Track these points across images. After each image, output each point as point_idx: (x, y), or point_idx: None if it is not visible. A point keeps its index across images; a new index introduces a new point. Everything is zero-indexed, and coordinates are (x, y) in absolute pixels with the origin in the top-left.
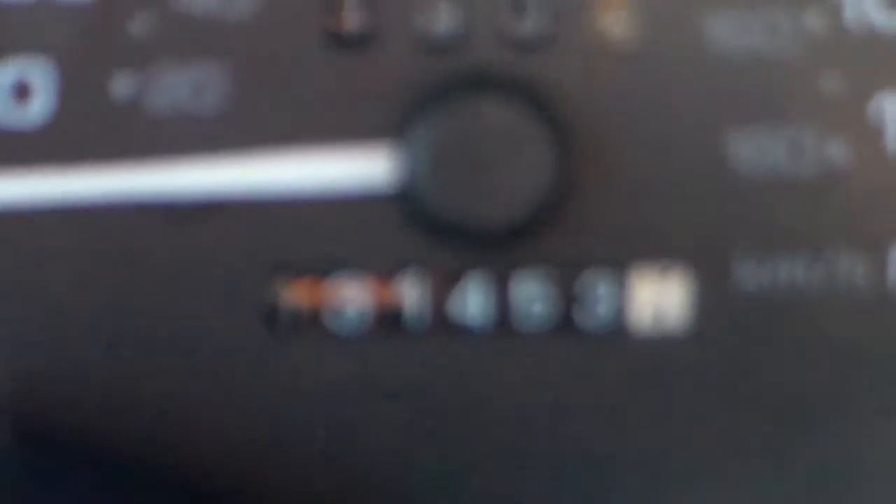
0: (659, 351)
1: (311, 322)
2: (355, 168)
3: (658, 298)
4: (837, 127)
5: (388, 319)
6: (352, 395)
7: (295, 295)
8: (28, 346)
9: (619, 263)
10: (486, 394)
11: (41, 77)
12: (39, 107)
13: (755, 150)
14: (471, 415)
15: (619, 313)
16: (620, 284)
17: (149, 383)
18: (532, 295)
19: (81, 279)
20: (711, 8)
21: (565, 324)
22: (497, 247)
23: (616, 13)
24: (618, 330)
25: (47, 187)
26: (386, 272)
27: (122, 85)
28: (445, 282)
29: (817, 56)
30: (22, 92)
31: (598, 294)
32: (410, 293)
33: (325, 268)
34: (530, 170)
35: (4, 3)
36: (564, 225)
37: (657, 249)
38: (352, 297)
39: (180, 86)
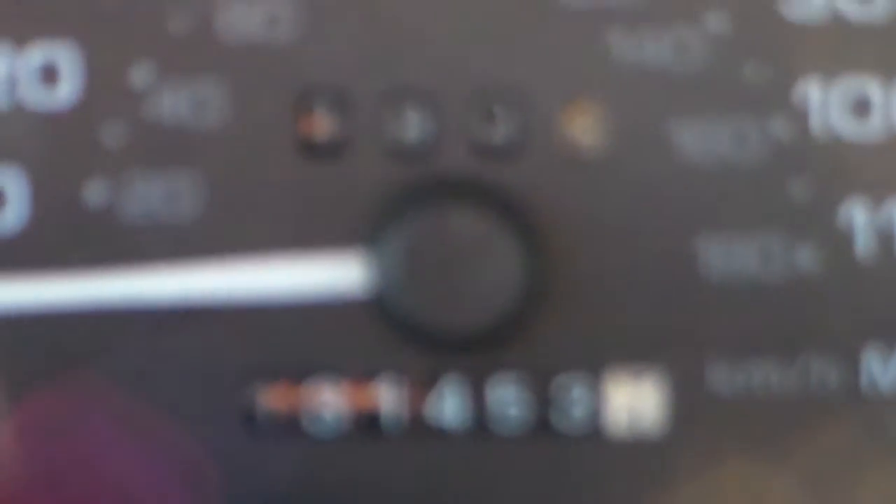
0: (634, 453)
1: (289, 426)
2: (329, 274)
3: (633, 402)
4: (807, 233)
5: (365, 423)
6: (330, 498)
7: (272, 399)
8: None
9: (594, 367)
10: (463, 496)
11: (14, 184)
12: (13, 214)
13: (725, 255)
14: None
15: (595, 416)
16: (595, 388)
17: (126, 489)
18: (507, 398)
19: (56, 384)
20: (679, 116)
21: (541, 427)
22: (471, 351)
23: (584, 121)
24: (593, 433)
25: (22, 294)
26: (362, 376)
27: (95, 193)
28: (421, 386)
29: (785, 163)
30: None
31: (573, 397)
32: (386, 397)
33: (301, 372)
34: (501, 276)
35: None
36: (538, 330)
37: (631, 353)
38: (328, 401)
39: (153, 194)
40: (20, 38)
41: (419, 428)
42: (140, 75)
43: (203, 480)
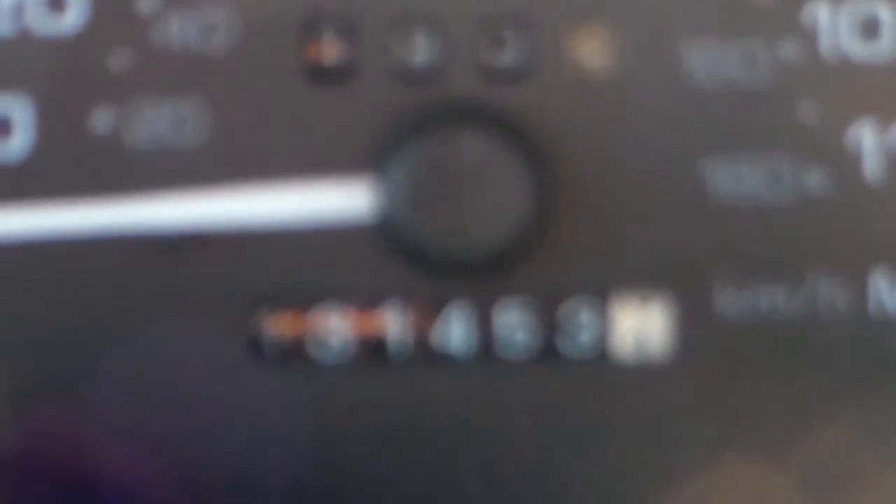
0: (641, 377)
1: (295, 352)
2: (335, 199)
3: (639, 325)
4: (815, 155)
5: (372, 349)
6: (336, 424)
7: (278, 326)
8: (8, 379)
9: (600, 291)
10: (469, 421)
11: (20, 112)
12: (19, 141)
13: (733, 178)
14: (454, 442)
15: (601, 341)
16: (602, 312)
17: (131, 416)
18: (514, 323)
19: (62, 312)
20: (688, 38)
21: (547, 352)
22: (478, 276)
23: (593, 44)
24: (600, 357)
25: (28, 221)
26: (368, 303)
27: (101, 119)
28: (427, 311)
29: (793, 85)
30: (2, 127)
31: (580, 322)
32: (393, 323)
33: (307, 299)
34: (509, 200)
35: None
36: (545, 254)
37: (637, 277)
38: (335, 327)
39: (160, 119)
40: None
41: (426, 354)
42: (147, 1)
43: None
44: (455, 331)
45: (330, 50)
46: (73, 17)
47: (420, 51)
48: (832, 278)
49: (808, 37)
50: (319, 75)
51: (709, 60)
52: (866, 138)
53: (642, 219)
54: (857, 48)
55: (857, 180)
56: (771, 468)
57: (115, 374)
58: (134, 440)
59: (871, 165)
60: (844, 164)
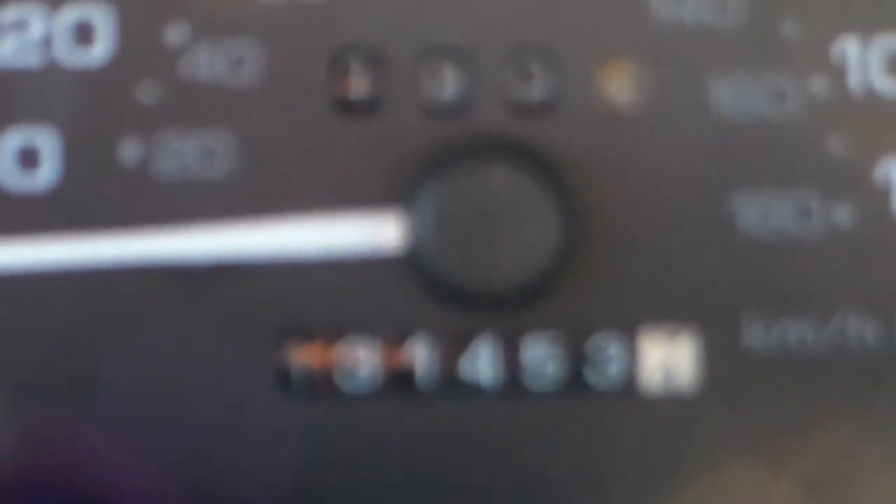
0: (669, 411)
1: (324, 384)
2: (365, 232)
3: (668, 359)
4: (843, 190)
5: (400, 381)
6: (364, 455)
7: (307, 357)
8: (33, 406)
9: (628, 324)
10: (498, 453)
11: (48, 143)
12: (48, 173)
13: (762, 212)
14: (483, 474)
15: (630, 374)
16: (630, 345)
17: (161, 446)
18: (542, 356)
19: (90, 341)
20: (716, 73)
21: (575, 384)
22: (506, 309)
23: (621, 78)
24: (628, 390)
25: (57, 252)
26: (396, 335)
27: (129, 151)
28: (456, 344)
29: (822, 120)
30: (29, 158)
31: (608, 355)
32: (421, 355)
33: (336, 331)
34: (537, 234)
35: (11, 70)
36: (573, 287)
37: (666, 310)
38: (363, 359)
39: (188, 152)
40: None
41: (454, 385)
42: (175, 34)
43: (238, 437)
44: (483, 363)
45: (358, 83)
46: (100, 50)
47: (448, 84)
48: (861, 313)
49: (837, 72)
50: (348, 109)
51: (737, 95)
52: (895, 173)
53: (670, 252)
54: (885, 84)
55: (885, 215)
56: (802, 499)
57: (142, 405)
58: (159, 468)
59: None
60: (873, 199)
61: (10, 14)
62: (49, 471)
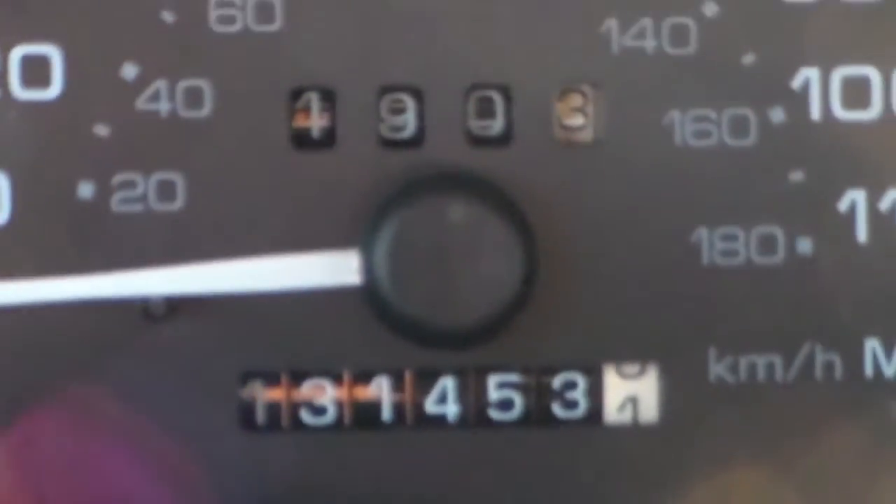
0: (635, 442)
1: (287, 419)
2: (324, 267)
3: (633, 392)
4: (808, 220)
5: (365, 416)
6: (331, 489)
7: (271, 393)
8: None
9: (593, 357)
10: (464, 486)
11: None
12: (3, 211)
13: (726, 243)
14: None
15: (595, 407)
16: (595, 378)
17: (125, 482)
18: (506, 390)
19: (52, 378)
20: (677, 103)
21: (541, 418)
22: (468, 344)
23: (580, 109)
24: (594, 423)
25: (13, 290)
26: (361, 369)
27: (85, 187)
28: (421, 378)
29: (785, 150)
30: None
31: (573, 388)
32: (386, 391)
33: (300, 366)
34: (497, 268)
35: None
36: (536, 320)
37: (631, 343)
38: (328, 396)
39: (145, 188)
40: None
41: (419, 419)
42: (130, 69)
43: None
44: (446, 396)
45: (315, 118)
46: (56, 86)
47: (407, 117)
48: (828, 343)
49: (799, 102)
50: (305, 142)
51: (698, 125)
52: (859, 203)
53: (634, 284)
54: (846, 114)
55: (850, 245)
56: None
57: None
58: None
59: (864, 230)
60: (837, 228)
61: None
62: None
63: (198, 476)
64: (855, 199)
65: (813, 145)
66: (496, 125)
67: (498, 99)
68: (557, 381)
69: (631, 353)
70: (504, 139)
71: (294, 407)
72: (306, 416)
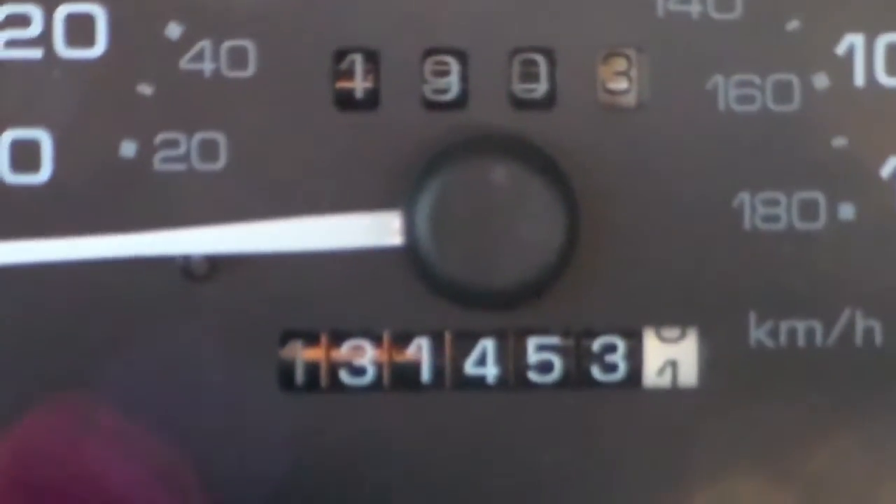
0: (675, 407)
1: (327, 379)
2: (367, 228)
3: (673, 355)
4: (850, 186)
5: (405, 377)
6: (369, 451)
7: (311, 354)
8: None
9: (634, 321)
10: (503, 449)
11: (46, 138)
12: (46, 168)
13: (768, 209)
14: (487, 469)
15: (635, 370)
16: (635, 342)
17: (164, 443)
18: (547, 352)
19: (93, 338)
20: (721, 68)
21: (582, 380)
22: (509, 306)
23: (624, 73)
24: (634, 386)
25: (56, 248)
26: (402, 330)
27: (129, 145)
28: (461, 340)
29: (828, 116)
30: (27, 153)
31: (614, 351)
32: (427, 352)
33: (340, 327)
34: (540, 231)
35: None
36: (579, 283)
37: (671, 307)
38: (367, 354)
39: (188, 147)
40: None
41: (459, 381)
42: (175, 29)
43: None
44: (487, 359)
45: (360, 77)
46: (99, 44)
47: (451, 78)
48: (868, 310)
49: (843, 68)
50: (349, 104)
51: (742, 90)
52: None
53: (676, 249)
54: (890, 80)
55: (892, 211)
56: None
57: (144, 402)
58: (162, 467)
59: None
60: (879, 195)
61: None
62: (49, 472)
63: (236, 435)
64: None
65: (856, 111)
66: (540, 88)
67: (542, 62)
68: (597, 345)
69: (671, 316)
70: (547, 102)
71: (333, 367)
72: (345, 377)
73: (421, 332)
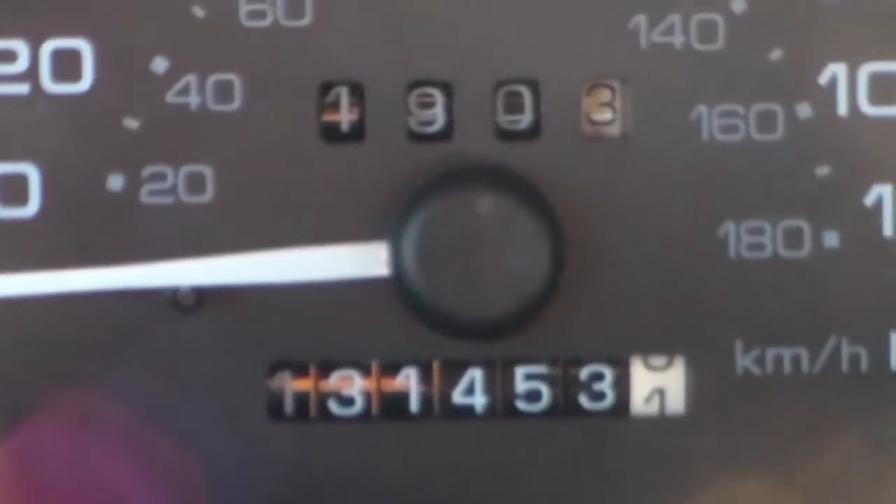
0: (662, 434)
1: (316, 409)
2: (353, 259)
3: (660, 384)
4: (834, 214)
5: (393, 406)
6: (358, 481)
7: (299, 383)
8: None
9: (621, 349)
10: (491, 477)
11: (33, 172)
12: (33, 202)
13: (753, 237)
14: (477, 498)
15: (623, 399)
16: (622, 370)
17: (152, 471)
18: (533, 380)
19: (82, 367)
20: (704, 98)
21: (568, 409)
22: (496, 337)
23: (608, 104)
24: (621, 414)
25: (43, 281)
26: (390, 360)
27: (115, 180)
28: (449, 369)
29: (811, 145)
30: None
31: (600, 380)
32: (414, 383)
33: (329, 357)
34: (525, 261)
35: None
36: (565, 312)
37: (658, 335)
38: (356, 384)
39: (176, 180)
40: (38, 35)
41: (447, 410)
42: (161, 63)
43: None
44: (475, 388)
45: (345, 109)
46: (86, 79)
47: (435, 110)
48: (854, 336)
49: (826, 98)
50: (334, 135)
51: (724, 121)
52: (886, 197)
53: (662, 277)
54: (873, 109)
55: (876, 238)
56: None
57: (131, 432)
58: (151, 494)
59: (891, 224)
60: (863, 222)
61: None
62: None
63: (226, 467)
64: (881, 193)
65: (840, 140)
66: (524, 119)
67: (526, 93)
68: (585, 373)
69: (658, 345)
70: (532, 133)
71: (322, 397)
72: (334, 407)
73: (409, 362)
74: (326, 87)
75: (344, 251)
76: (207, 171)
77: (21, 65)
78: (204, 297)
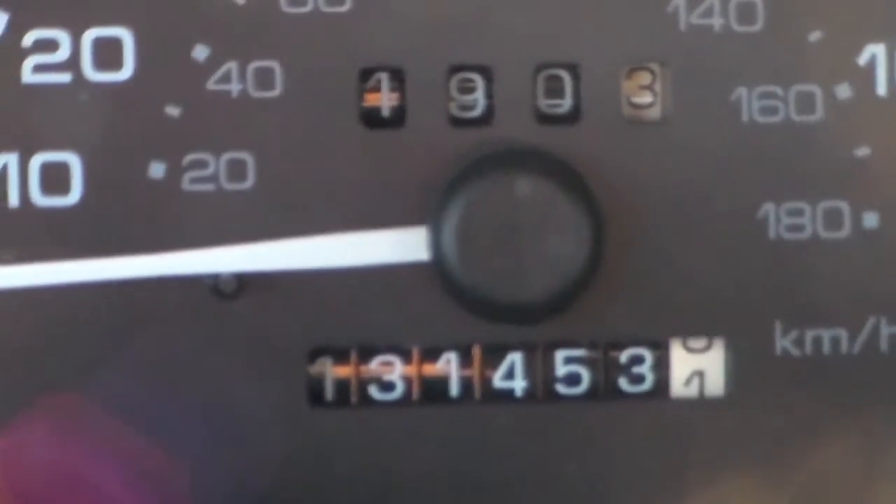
0: (702, 417)
1: (356, 395)
2: (394, 244)
3: (698, 365)
4: (874, 195)
5: (434, 391)
6: (399, 466)
7: (339, 369)
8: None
9: (660, 332)
10: (530, 460)
11: (76, 160)
12: (76, 189)
13: (792, 219)
14: (516, 481)
15: (662, 381)
16: (662, 353)
17: (193, 458)
18: (573, 364)
19: (122, 353)
20: (744, 80)
21: (609, 391)
22: (536, 319)
23: (648, 87)
24: (661, 397)
25: (85, 268)
26: (430, 345)
27: (157, 167)
28: (489, 354)
29: (851, 126)
30: (57, 175)
31: (640, 363)
32: (455, 367)
33: (369, 342)
34: (565, 245)
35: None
36: (605, 295)
37: (697, 317)
38: (396, 369)
39: (217, 167)
40: (79, 24)
41: (487, 395)
42: (202, 51)
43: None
44: (515, 372)
45: (385, 95)
46: (127, 67)
47: (475, 94)
48: (893, 317)
49: (865, 78)
50: (376, 122)
51: (764, 102)
52: None
53: (701, 260)
54: None
55: None
56: None
57: (173, 419)
58: (190, 481)
59: None
60: None
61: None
62: (70, 483)
63: (268, 453)
64: None
65: (879, 121)
66: (565, 103)
67: (566, 77)
68: (624, 356)
69: (697, 327)
70: (572, 117)
71: (363, 383)
72: (375, 393)
73: (449, 347)
74: (367, 73)
75: (384, 236)
76: (248, 158)
77: (63, 54)
78: (245, 283)
